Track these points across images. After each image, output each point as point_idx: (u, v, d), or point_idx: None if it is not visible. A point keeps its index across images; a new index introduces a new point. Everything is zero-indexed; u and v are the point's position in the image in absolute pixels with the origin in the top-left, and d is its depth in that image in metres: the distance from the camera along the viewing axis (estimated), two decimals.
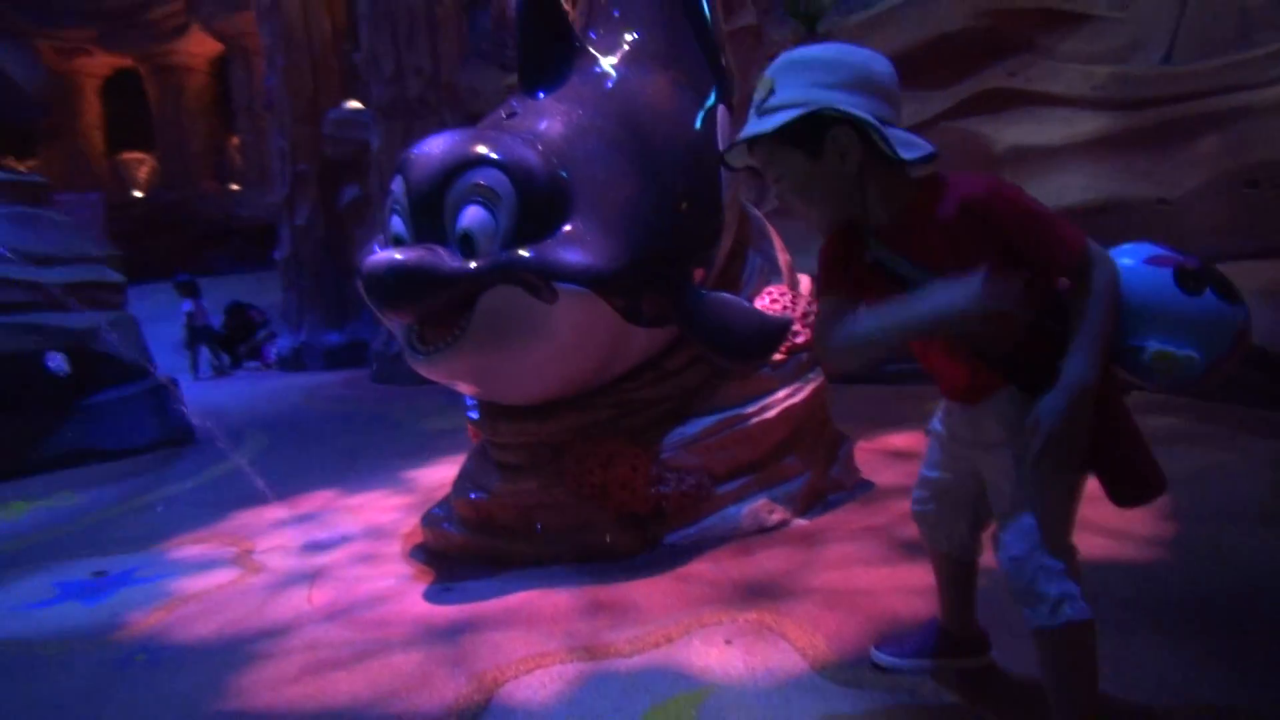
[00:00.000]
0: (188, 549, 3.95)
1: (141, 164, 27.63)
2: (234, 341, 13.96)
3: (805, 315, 3.62)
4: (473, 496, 3.36)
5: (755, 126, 1.60)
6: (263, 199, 19.63)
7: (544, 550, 3.20)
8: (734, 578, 2.87)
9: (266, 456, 6.18)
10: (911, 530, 2.91)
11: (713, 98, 3.70)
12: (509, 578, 3.08)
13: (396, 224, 3.01)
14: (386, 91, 9.44)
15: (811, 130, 1.56)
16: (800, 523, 3.34)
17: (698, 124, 3.55)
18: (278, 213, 12.78)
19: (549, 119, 3.21)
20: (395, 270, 2.79)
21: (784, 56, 1.63)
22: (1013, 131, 6.07)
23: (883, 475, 3.78)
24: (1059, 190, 5.80)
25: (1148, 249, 1.63)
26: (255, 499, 4.78)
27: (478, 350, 2.92)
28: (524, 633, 2.60)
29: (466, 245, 2.87)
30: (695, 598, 2.74)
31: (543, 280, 2.85)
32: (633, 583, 2.91)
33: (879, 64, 1.61)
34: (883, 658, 2.17)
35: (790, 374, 3.54)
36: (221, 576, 3.49)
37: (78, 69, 26.49)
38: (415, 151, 3.01)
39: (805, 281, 4.26)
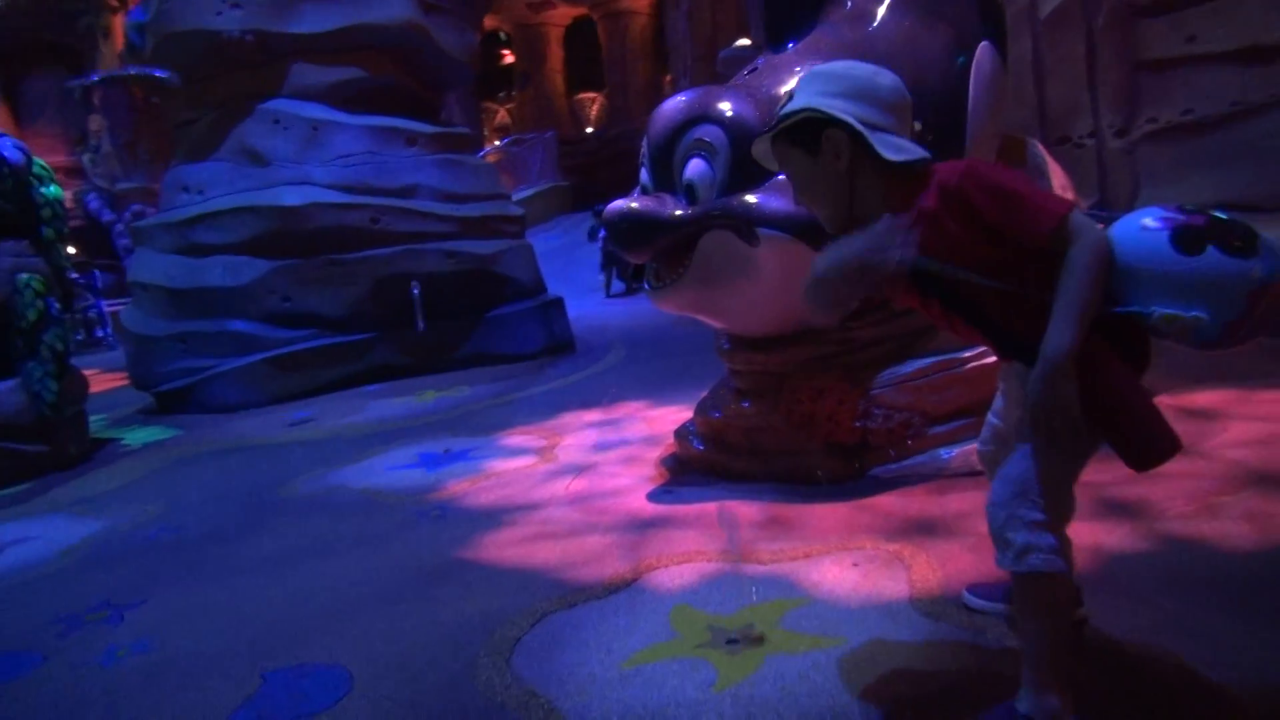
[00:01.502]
0: (515, 438, 4.89)
1: (593, 103, 30.94)
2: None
3: None
4: (710, 415, 3.80)
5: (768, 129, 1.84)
6: None
7: (759, 468, 3.56)
8: (910, 513, 3.01)
9: (618, 367, 7.12)
10: (1120, 490, 2.87)
11: (974, 39, 3.63)
12: (722, 488, 3.50)
13: (644, 174, 3.49)
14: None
15: (810, 131, 1.75)
16: None
17: (946, 66, 3.53)
18: None
19: (779, 74, 3.44)
20: (626, 216, 3.28)
21: (809, 70, 1.83)
22: None
23: None
24: None
25: (1154, 213, 1.60)
26: (584, 403, 5.65)
27: (698, 286, 3.32)
28: (698, 533, 3.02)
29: (690, 194, 3.26)
30: (859, 525, 2.94)
31: (746, 225, 3.16)
32: (815, 505, 3.17)
33: (884, 78, 1.77)
34: (970, 598, 2.28)
35: None
36: (523, 462, 4.33)
37: (544, 20, 30.22)
38: (656, 111, 3.45)
39: None
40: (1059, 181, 3.89)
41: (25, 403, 5.24)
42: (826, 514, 3.08)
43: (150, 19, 7.44)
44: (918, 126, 2.08)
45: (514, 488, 3.88)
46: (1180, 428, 3.38)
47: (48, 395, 5.29)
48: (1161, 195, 6.07)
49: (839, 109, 1.72)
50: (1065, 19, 6.53)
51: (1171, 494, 2.84)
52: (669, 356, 7.41)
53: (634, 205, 3.29)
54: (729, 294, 3.34)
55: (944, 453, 3.37)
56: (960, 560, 2.56)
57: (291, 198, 7.06)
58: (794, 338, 3.55)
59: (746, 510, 3.21)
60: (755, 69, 3.63)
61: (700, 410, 3.91)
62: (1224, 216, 1.56)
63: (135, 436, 6.44)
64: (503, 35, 31.30)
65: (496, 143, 26.66)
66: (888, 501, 3.14)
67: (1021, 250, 1.64)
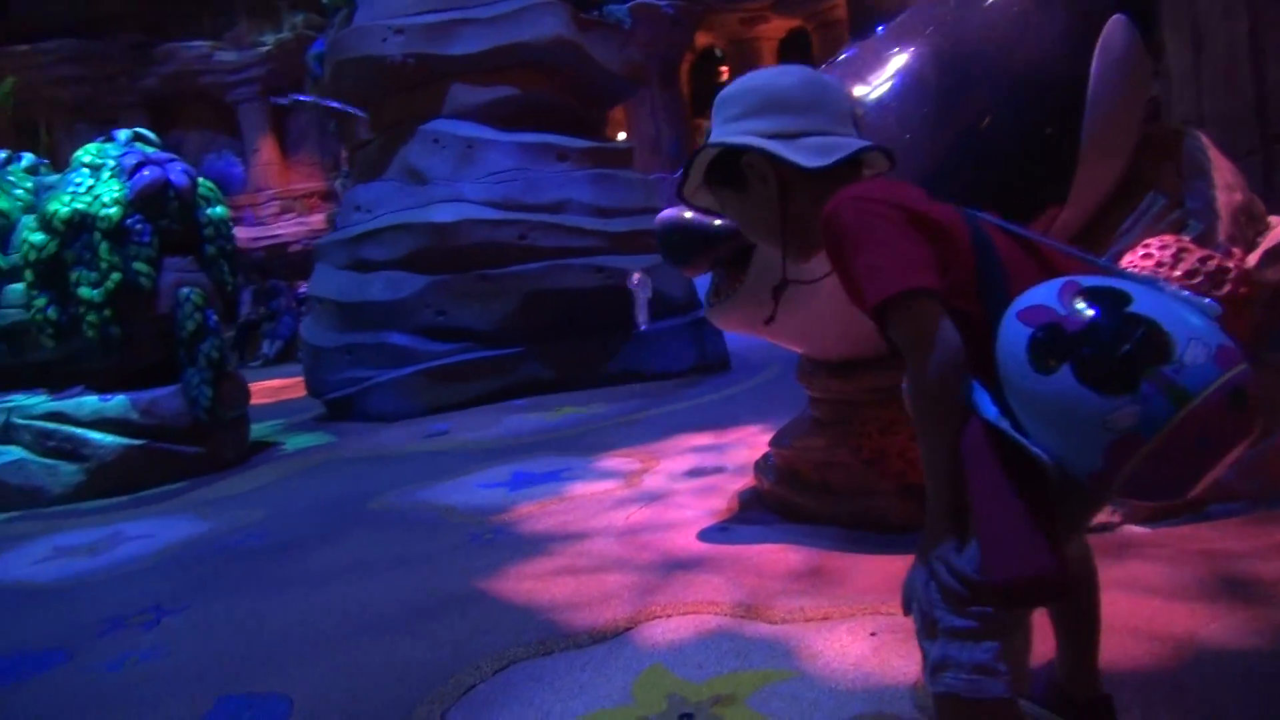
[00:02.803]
0: (612, 460, 4.68)
1: None
2: None
3: (1190, 274, 2.86)
4: (782, 445, 3.43)
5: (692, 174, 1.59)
6: None
7: (828, 508, 3.16)
8: None
9: (759, 388, 6.74)
10: (1251, 565, 2.33)
11: (1103, 14, 3.08)
12: (782, 529, 3.14)
13: None
14: None
15: (729, 165, 1.51)
16: (1133, 529, 2.73)
17: (1065, 48, 3.01)
18: None
19: (856, 65, 3.07)
20: (674, 226, 3.02)
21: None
22: None
23: None
24: None
25: (1055, 289, 1.17)
26: (703, 424, 5.35)
27: (753, 303, 2.99)
28: (723, 580, 2.70)
29: None
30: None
31: None
32: (870, 556, 2.76)
33: (787, 78, 1.49)
34: None
35: None
36: (603, 486, 4.12)
37: (758, 35, 30.00)
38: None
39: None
40: (1224, 181, 3.22)
41: (183, 407, 5.65)
42: (876, 568, 2.67)
43: (327, 48, 7.93)
44: (860, 112, 1.72)
45: (577, 513, 3.68)
46: None
47: (203, 401, 5.67)
48: None
49: (742, 131, 1.45)
50: None
51: None
52: None
53: (686, 215, 3.01)
54: (787, 311, 2.97)
55: None
56: None
57: (444, 215, 7.24)
58: (868, 362, 3.13)
59: (791, 556, 2.85)
60: (836, 61, 3.25)
61: (775, 440, 3.55)
62: (1141, 315, 1.08)
63: (295, 442, 6.81)
64: (718, 52, 31.40)
65: None
66: None
67: None
